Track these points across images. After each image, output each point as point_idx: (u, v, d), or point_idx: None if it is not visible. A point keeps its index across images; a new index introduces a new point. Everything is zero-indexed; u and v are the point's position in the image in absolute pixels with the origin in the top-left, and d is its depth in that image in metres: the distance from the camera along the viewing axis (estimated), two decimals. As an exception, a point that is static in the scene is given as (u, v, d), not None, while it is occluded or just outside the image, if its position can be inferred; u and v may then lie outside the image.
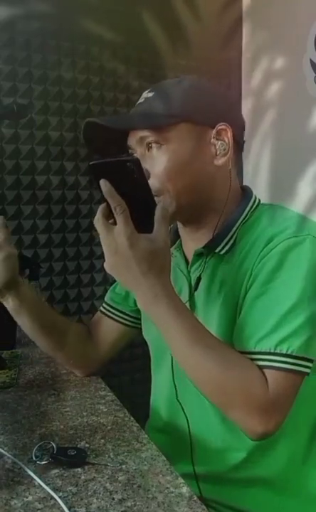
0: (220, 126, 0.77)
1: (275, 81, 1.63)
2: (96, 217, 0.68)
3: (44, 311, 0.91)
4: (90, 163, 0.67)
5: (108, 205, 0.67)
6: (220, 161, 0.77)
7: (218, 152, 0.77)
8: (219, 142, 0.77)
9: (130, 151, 0.79)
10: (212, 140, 0.77)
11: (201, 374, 0.69)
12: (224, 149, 0.77)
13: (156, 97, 0.77)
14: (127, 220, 0.65)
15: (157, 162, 0.75)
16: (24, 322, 0.88)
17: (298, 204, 1.47)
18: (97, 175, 0.66)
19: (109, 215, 0.67)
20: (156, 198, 0.71)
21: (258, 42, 1.71)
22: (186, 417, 0.80)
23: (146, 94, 0.79)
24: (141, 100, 0.79)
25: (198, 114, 0.76)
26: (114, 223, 0.67)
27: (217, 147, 0.77)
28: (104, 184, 0.66)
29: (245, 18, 1.76)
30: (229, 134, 0.77)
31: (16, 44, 1.36)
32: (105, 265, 0.69)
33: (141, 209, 0.67)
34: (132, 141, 0.77)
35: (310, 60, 1.50)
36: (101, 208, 0.68)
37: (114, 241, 0.66)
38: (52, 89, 1.42)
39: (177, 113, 0.75)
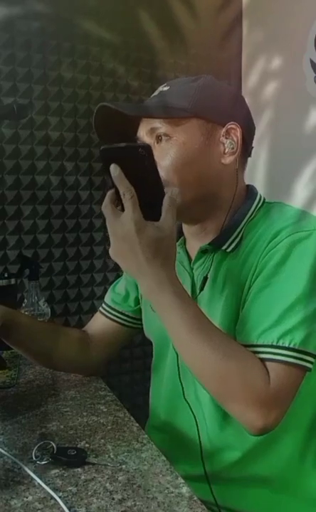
0: (230, 125, 0.78)
1: (275, 81, 1.63)
2: (104, 203, 0.68)
3: (38, 339, 0.90)
4: (102, 147, 0.66)
5: (116, 192, 0.67)
6: (227, 160, 0.78)
7: (226, 151, 0.78)
8: (228, 141, 0.78)
9: (139, 142, 0.79)
10: (221, 138, 0.78)
11: (200, 363, 0.68)
12: (232, 148, 0.78)
13: (172, 91, 0.78)
14: (135, 207, 0.65)
15: (165, 154, 0.75)
16: (20, 352, 0.91)
17: (295, 204, 1.47)
18: (107, 160, 0.66)
19: (117, 201, 0.67)
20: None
21: (258, 41, 1.71)
22: (194, 415, 0.80)
23: (162, 88, 0.80)
24: (156, 93, 0.81)
25: (211, 112, 0.77)
26: (122, 210, 0.67)
27: (225, 146, 0.78)
28: (114, 169, 0.66)
29: (245, 17, 1.76)
30: (238, 133, 0.78)
31: (16, 44, 1.36)
32: (110, 251, 0.69)
33: (149, 196, 0.67)
34: (142, 131, 0.78)
35: (310, 59, 1.50)
36: (109, 193, 0.68)
37: (121, 227, 0.66)
38: (52, 89, 1.42)
39: (190, 108, 0.76)
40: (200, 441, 0.79)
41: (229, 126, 0.78)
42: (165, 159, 0.75)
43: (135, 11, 1.49)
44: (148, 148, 0.66)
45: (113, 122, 0.77)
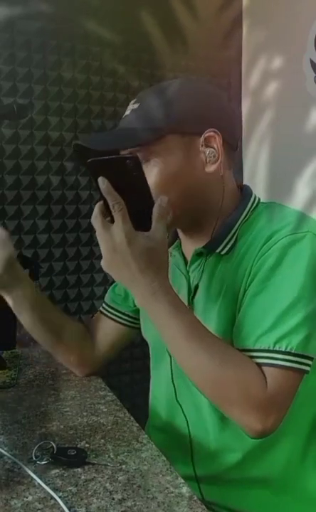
0: (208, 133, 0.76)
1: (275, 81, 1.63)
2: (93, 215, 0.68)
3: (45, 308, 0.92)
4: (88, 160, 0.66)
5: (105, 203, 0.67)
6: (210, 168, 0.77)
7: (207, 160, 0.76)
8: (208, 150, 0.76)
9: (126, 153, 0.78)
10: (201, 148, 0.76)
11: (198, 370, 0.69)
12: (214, 156, 0.76)
13: (141, 110, 0.76)
14: (125, 218, 0.65)
15: (148, 176, 0.73)
16: (24, 318, 0.90)
17: (296, 204, 1.47)
18: (95, 172, 0.66)
19: (106, 212, 0.67)
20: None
21: (258, 41, 1.71)
22: (186, 417, 0.80)
23: (132, 105, 0.78)
24: (127, 112, 0.79)
25: (185, 124, 0.75)
26: (112, 221, 0.67)
27: (206, 155, 0.76)
28: (102, 181, 0.65)
29: (245, 17, 1.76)
30: (218, 140, 0.76)
31: (16, 44, 1.36)
32: (102, 263, 0.70)
33: (139, 206, 0.67)
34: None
35: (310, 60, 1.50)
36: (98, 205, 0.68)
37: (112, 239, 0.66)
38: (52, 89, 1.42)
39: (163, 126, 0.74)
40: (191, 443, 0.79)
41: (207, 135, 0.76)
42: (149, 181, 0.72)
43: (135, 11, 1.49)
44: (135, 159, 0.66)
45: (92, 155, 0.74)
